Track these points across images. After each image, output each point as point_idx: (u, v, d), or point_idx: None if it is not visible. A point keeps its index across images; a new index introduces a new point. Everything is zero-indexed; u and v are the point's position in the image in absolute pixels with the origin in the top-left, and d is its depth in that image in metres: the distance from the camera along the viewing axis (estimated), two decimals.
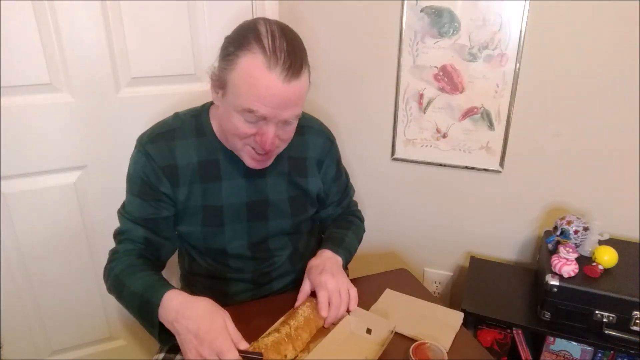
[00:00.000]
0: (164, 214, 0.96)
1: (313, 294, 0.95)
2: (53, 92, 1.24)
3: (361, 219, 1.22)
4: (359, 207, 1.27)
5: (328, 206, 1.15)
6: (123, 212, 0.97)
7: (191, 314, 0.78)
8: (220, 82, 0.84)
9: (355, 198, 1.28)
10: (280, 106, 0.81)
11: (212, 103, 0.99)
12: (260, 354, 0.76)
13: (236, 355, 0.74)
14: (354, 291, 0.94)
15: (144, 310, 0.84)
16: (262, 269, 1.06)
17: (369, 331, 0.88)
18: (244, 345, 0.77)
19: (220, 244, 1.01)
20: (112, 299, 1.47)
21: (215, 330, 0.75)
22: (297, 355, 0.82)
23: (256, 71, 0.78)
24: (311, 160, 1.06)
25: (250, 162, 0.91)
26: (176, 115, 0.99)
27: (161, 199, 0.95)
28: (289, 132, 0.90)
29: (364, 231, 1.20)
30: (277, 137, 0.86)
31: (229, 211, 0.99)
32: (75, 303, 1.46)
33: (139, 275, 0.88)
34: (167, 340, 0.84)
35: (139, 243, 0.96)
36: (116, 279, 0.90)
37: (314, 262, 0.99)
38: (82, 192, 1.36)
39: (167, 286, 0.84)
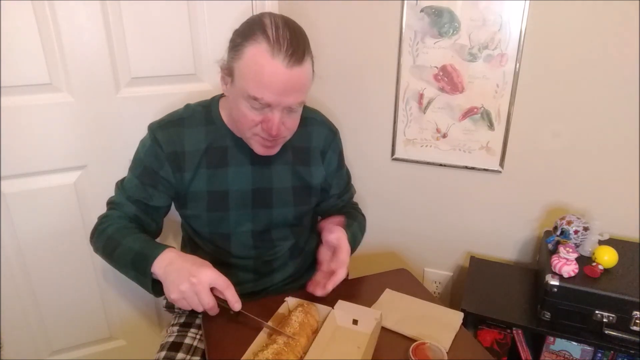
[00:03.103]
0: (154, 202, 1.02)
1: (309, 295, 0.96)
2: (53, 92, 1.24)
3: (363, 216, 1.24)
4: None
5: (329, 198, 1.17)
6: (121, 186, 1.06)
7: (184, 260, 0.87)
8: (228, 71, 0.89)
9: (355, 198, 1.28)
10: (283, 92, 0.85)
11: (221, 96, 1.04)
12: (238, 313, 0.86)
13: (207, 286, 0.83)
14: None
15: (137, 260, 0.89)
16: (264, 257, 1.09)
17: (355, 322, 0.90)
18: (230, 292, 0.85)
19: (225, 229, 1.05)
20: (112, 299, 1.50)
21: (204, 269, 0.84)
22: None
23: (261, 59, 0.82)
24: (315, 150, 1.09)
25: (259, 149, 0.96)
26: (187, 106, 1.05)
27: (157, 187, 1.01)
28: (294, 119, 0.94)
29: (365, 230, 1.21)
30: (282, 124, 0.90)
31: (234, 197, 1.02)
32: (75, 303, 1.46)
33: (135, 237, 0.94)
34: (160, 291, 0.89)
35: (129, 216, 1.02)
36: (110, 239, 0.95)
37: (326, 221, 1.07)
38: (82, 192, 1.35)
39: (166, 246, 0.91)
